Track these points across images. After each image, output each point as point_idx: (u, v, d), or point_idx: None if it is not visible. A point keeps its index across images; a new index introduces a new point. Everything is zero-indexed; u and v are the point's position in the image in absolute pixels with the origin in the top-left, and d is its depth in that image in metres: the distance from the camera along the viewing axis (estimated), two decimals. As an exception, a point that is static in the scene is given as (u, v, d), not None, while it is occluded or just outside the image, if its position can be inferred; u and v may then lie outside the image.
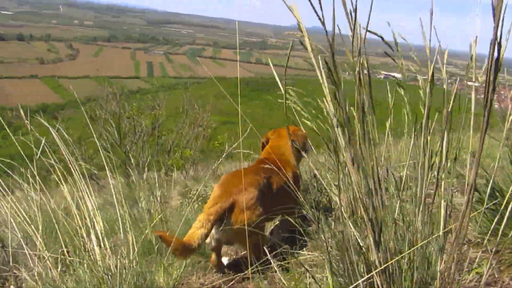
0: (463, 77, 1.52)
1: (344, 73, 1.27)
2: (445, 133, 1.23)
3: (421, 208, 1.23)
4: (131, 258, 1.72)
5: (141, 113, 10.29)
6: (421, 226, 1.23)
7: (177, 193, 5.90)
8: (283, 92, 1.17)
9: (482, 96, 1.33)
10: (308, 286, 1.63)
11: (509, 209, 1.30)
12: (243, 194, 2.54)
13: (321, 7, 0.97)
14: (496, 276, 1.81)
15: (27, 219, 1.70)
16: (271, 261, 1.74)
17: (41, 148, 1.87)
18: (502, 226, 1.48)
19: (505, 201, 1.31)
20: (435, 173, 1.25)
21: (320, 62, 1.17)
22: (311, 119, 1.63)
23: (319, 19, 0.93)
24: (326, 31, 0.95)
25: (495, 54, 1.01)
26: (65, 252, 1.68)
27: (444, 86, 1.29)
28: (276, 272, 2.42)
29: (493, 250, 1.53)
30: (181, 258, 2.44)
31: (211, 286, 2.61)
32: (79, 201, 1.91)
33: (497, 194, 1.83)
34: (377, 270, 1.07)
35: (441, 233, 1.21)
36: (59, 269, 1.62)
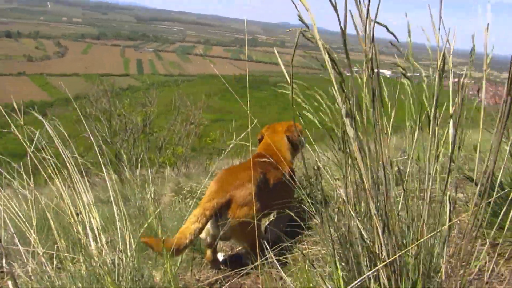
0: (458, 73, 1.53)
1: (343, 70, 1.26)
2: (453, 125, 1.22)
3: (427, 200, 1.22)
4: (128, 253, 1.68)
5: (133, 110, 10.19)
6: (427, 219, 1.22)
7: (169, 190, 5.86)
8: (290, 85, 1.15)
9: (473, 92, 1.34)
10: (310, 281, 1.61)
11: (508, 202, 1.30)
12: (240, 190, 2.52)
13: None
14: (495, 269, 1.81)
15: (20, 215, 1.65)
16: (270, 255, 1.72)
17: (34, 143, 1.82)
18: (499, 219, 1.48)
19: None
20: (440, 165, 1.24)
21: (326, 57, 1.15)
22: (313, 111, 1.60)
23: (331, 3, 0.90)
24: (338, 16, 0.93)
25: None
26: (60, 247, 1.63)
27: (451, 79, 1.28)
28: (272, 267, 2.41)
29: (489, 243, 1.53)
30: (172, 257, 2.40)
31: (206, 282, 2.58)
32: (75, 196, 1.87)
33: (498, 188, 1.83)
34: (385, 263, 1.05)
35: (447, 225, 1.20)
36: (54, 265, 1.58)
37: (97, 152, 2.15)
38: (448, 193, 1.23)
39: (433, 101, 1.18)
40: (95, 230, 1.71)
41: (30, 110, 2.27)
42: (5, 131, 2.19)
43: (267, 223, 3.25)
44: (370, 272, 1.10)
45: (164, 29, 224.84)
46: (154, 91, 11.61)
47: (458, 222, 1.93)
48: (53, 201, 2.70)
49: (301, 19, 1.23)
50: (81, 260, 1.57)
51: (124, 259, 1.64)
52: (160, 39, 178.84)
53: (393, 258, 1.06)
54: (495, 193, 1.19)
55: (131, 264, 1.66)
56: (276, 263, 1.61)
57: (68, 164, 1.92)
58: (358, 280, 1.11)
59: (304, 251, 2.05)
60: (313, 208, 1.48)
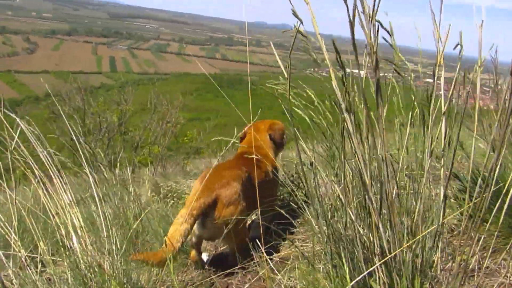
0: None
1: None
2: (444, 121, 1.23)
3: (422, 196, 1.23)
4: (115, 255, 1.62)
5: (107, 108, 9.97)
6: (422, 214, 1.22)
7: (147, 189, 5.77)
8: (287, 83, 1.13)
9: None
10: (308, 279, 1.60)
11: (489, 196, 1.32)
12: (226, 188, 2.49)
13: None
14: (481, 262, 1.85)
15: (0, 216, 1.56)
16: (257, 255, 1.70)
17: (14, 142, 1.73)
18: (482, 213, 1.51)
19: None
20: (434, 161, 1.25)
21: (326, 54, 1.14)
22: (302, 107, 1.60)
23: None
24: (348, 8, 0.92)
25: None
26: (43, 250, 1.55)
27: (442, 74, 1.29)
28: (259, 266, 2.39)
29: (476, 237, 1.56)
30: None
31: (191, 283, 2.54)
32: (54, 195, 1.79)
33: (481, 181, 1.87)
34: (386, 259, 1.05)
35: (441, 221, 1.21)
36: (38, 269, 1.50)
37: (82, 152, 2.07)
38: (442, 187, 1.25)
39: (432, 96, 1.19)
40: (79, 231, 1.64)
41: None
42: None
43: (249, 222, 3.23)
44: (373, 268, 1.10)
45: (139, 27, 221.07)
46: (130, 88, 11.39)
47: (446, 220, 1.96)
48: (28, 201, 2.59)
49: (294, 14, 1.22)
50: (66, 263, 1.50)
51: (111, 260, 1.58)
52: (134, 37, 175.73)
53: (394, 253, 1.06)
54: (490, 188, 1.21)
55: (119, 266, 1.60)
56: (270, 262, 1.58)
57: (46, 163, 1.84)
58: (360, 276, 1.11)
59: (297, 249, 2.03)
60: (305, 205, 1.46)
